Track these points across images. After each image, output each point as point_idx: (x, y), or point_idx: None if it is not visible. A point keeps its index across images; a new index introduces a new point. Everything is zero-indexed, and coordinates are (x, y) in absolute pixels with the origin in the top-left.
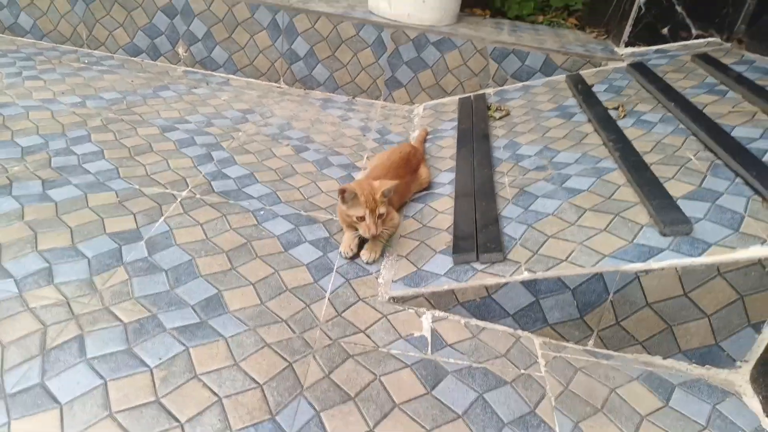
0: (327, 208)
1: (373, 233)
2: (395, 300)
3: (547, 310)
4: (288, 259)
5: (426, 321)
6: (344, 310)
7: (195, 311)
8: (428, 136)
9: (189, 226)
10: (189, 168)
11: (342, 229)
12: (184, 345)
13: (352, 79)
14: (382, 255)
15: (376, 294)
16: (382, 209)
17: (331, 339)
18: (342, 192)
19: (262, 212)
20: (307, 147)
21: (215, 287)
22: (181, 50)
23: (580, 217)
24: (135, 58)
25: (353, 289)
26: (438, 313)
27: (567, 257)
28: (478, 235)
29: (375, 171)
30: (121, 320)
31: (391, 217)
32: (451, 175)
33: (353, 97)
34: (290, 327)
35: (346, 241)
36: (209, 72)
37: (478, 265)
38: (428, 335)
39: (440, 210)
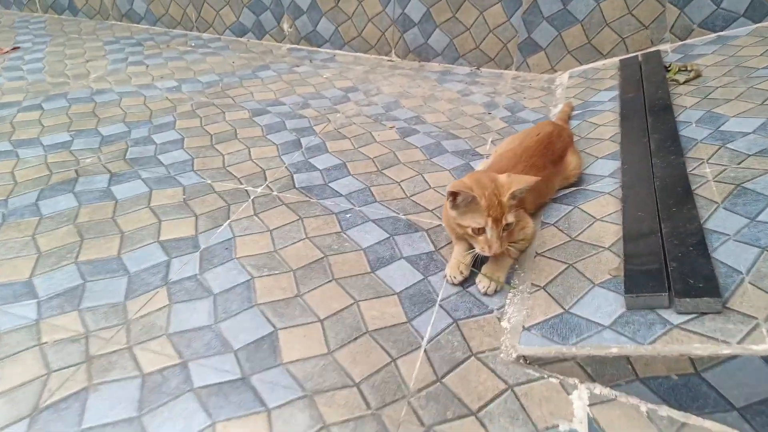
0: (435, 209)
1: (496, 251)
2: (528, 361)
3: None
4: (374, 284)
5: (579, 403)
6: (447, 373)
7: (237, 359)
8: (574, 112)
9: (256, 233)
10: (272, 158)
11: (451, 241)
12: (210, 418)
13: (477, 46)
14: (507, 282)
15: (498, 347)
16: (510, 218)
17: (423, 425)
18: (454, 195)
19: (349, 215)
20: (416, 129)
21: (271, 323)
22: (285, 26)
23: None
24: (241, 39)
25: (463, 335)
26: (600, 390)
27: None
28: (669, 261)
29: (501, 161)
30: (140, 369)
31: (522, 226)
32: (613, 164)
33: (477, 68)
34: (363, 396)
35: (455, 260)
36: (315, 48)
37: (671, 316)
38: (584, 430)
39: (598, 216)
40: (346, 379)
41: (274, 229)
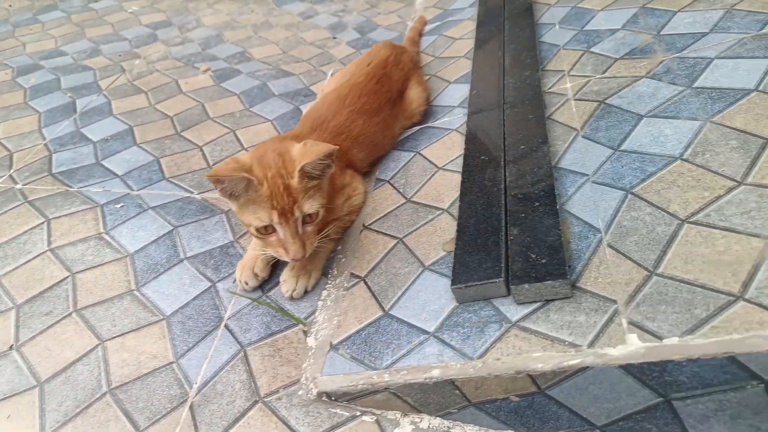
0: None
1: (295, 256)
2: (332, 397)
3: (696, 423)
4: (136, 308)
5: None
6: None
7: None
8: (430, 26)
9: None
10: (28, 133)
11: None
12: None
13: None
14: (323, 275)
15: (298, 379)
16: (308, 206)
17: None
18: (216, 180)
19: (120, 205)
20: (238, 70)
21: None
22: None
23: (754, 161)
24: None
25: (250, 370)
26: (428, 423)
27: (743, 288)
28: (510, 228)
29: (321, 108)
30: None
31: (347, 196)
32: (465, 89)
33: None
34: None
35: (251, 256)
36: None
37: (510, 309)
38: None
39: (441, 163)
40: None
41: (2, 243)
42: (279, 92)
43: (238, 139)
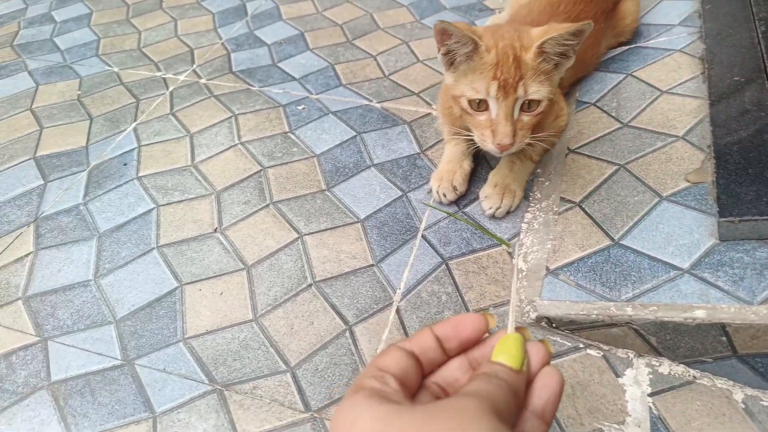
0: (422, 92)
1: (502, 141)
2: (554, 324)
3: None
4: (330, 208)
5: (635, 391)
6: None
7: (119, 335)
8: None
9: (171, 140)
10: (204, 32)
11: (443, 139)
12: (65, 430)
13: None
14: (526, 197)
15: (508, 300)
16: (534, 90)
17: None
18: (443, 32)
19: (301, 107)
20: None
21: (175, 275)
22: None
23: None
24: None
25: (455, 284)
26: (668, 369)
27: None
28: None
29: (529, 14)
30: None
31: (555, 114)
32: (687, 5)
33: None
34: (300, 389)
35: (447, 166)
36: None
37: None
38: None
39: (664, 86)
40: (277, 362)
41: (195, 132)
42: (450, 6)
43: (413, 51)
